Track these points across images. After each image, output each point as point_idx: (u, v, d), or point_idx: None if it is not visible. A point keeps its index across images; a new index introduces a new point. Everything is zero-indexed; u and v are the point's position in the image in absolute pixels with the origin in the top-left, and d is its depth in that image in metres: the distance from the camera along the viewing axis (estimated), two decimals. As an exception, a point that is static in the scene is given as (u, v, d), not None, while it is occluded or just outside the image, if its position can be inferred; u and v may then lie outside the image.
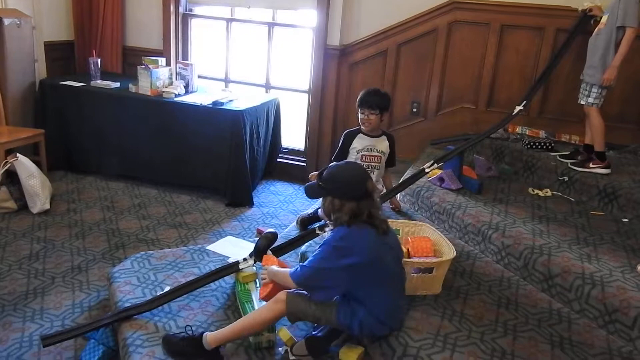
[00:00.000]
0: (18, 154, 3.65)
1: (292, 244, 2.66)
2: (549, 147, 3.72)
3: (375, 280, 1.90)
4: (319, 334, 2.11)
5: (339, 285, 1.90)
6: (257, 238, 2.60)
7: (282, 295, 1.99)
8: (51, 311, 2.59)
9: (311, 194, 2.02)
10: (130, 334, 2.15)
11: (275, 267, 2.17)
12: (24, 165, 3.62)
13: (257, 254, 2.45)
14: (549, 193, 3.30)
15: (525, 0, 3.85)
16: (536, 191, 3.33)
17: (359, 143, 3.08)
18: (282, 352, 2.10)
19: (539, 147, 3.74)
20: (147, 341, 2.11)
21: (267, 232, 2.48)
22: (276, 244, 2.57)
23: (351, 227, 1.88)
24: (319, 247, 1.93)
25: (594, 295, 2.21)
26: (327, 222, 2.03)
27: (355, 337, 2.10)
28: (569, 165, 3.41)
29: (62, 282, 2.85)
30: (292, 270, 1.98)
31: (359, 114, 3.03)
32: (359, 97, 3.01)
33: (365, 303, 1.92)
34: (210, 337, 1.99)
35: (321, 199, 1.99)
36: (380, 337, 2.03)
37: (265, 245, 2.44)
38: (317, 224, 2.91)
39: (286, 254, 2.68)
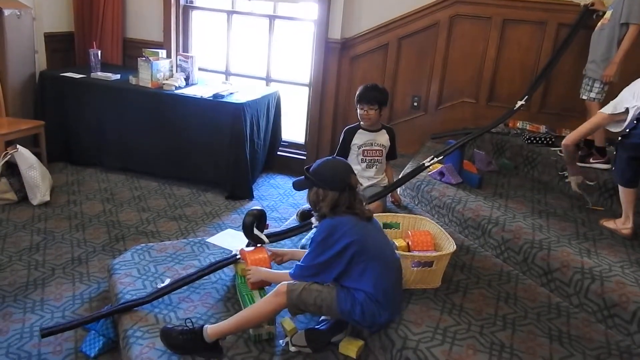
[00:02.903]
0: (18, 146, 3.64)
1: (287, 233, 2.67)
2: (550, 142, 3.72)
3: (368, 258, 1.95)
4: (320, 327, 2.12)
5: (336, 267, 1.97)
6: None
7: (282, 287, 2.00)
8: (51, 302, 2.59)
9: (298, 186, 2.12)
10: (130, 326, 2.16)
11: (264, 270, 2.22)
12: (24, 157, 3.61)
13: (245, 232, 2.43)
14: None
15: (527, -6, 3.85)
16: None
17: (360, 139, 3.08)
18: (283, 345, 2.10)
19: (540, 142, 3.73)
20: (148, 333, 2.11)
21: (252, 209, 2.46)
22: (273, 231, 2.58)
23: (333, 217, 1.98)
24: (309, 246, 2.03)
25: (593, 290, 2.22)
26: (313, 213, 2.13)
27: (357, 327, 2.11)
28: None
29: (63, 274, 2.85)
30: (291, 271, 2.06)
31: (358, 110, 3.03)
32: (357, 93, 3.02)
33: (362, 286, 1.96)
34: (211, 330, 2.00)
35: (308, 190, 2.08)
36: (381, 325, 2.03)
37: (250, 222, 2.40)
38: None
39: (281, 243, 2.72)
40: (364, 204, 2.10)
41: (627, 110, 2.66)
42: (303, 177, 2.07)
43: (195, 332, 2.01)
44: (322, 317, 2.21)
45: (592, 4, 3.59)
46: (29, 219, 3.45)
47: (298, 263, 2.05)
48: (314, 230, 2.75)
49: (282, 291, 1.99)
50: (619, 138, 2.66)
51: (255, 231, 2.41)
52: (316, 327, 2.14)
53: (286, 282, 2.03)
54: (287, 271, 2.09)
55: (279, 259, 2.40)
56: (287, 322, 2.15)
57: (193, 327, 2.04)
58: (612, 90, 3.35)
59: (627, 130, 2.60)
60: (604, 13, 3.39)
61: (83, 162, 4.42)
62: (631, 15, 3.16)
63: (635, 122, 2.58)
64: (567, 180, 3.19)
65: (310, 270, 2.00)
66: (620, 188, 2.69)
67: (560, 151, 3.55)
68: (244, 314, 2.04)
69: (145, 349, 2.03)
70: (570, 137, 2.95)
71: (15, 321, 2.43)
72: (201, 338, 1.99)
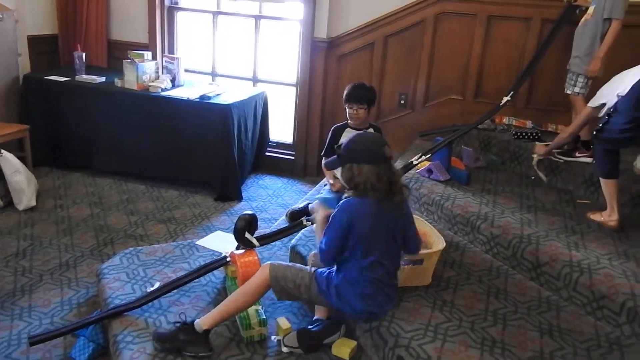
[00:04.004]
0: (2, 150, 3.59)
1: (278, 234, 2.65)
2: (536, 137, 3.74)
3: (364, 249, 1.95)
4: (313, 328, 2.12)
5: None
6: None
7: (265, 264, 2.07)
8: (39, 309, 2.56)
9: (332, 165, 2.11)
10: (120, 331, 2.14)
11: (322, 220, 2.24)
12: (9, 162, 3.57)
13: (237, 236, 2.41)
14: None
15: (511, -9, 3.88)
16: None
17: (348, 137, 3.07)
18: (274, 341, 2.10)
19: (526, 137, 3.76)
20: (138, 337, 2.09)
21: (244, 213, 2.45)
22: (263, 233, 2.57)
23: (357, 198, 1.96)
24: (329, 225, 2.00)
25: (582, 283, 2.24)
26: (346, 190, 2.07)
27: (349, 321, 2.11)
28: (556, 154, 3.44)
29: (50, 280, 2.82)
30: (319, 255, 2.04)
31: (347, 109, 3.02)
32: (345, 92, 3.01)
33: (343, 271, 1.99)
34: (202, 321, 2.02)
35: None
36: (362, 313, 2.01)
37: (242, 227, 2.39)
38: (306, 218, 2.91)
39: (271, 244, 2.72)
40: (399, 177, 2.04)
41: (603, 105, 2.77)
42: (334, 156, 2.07)
43: (188, 325, 2.03)
44: (315, 317, 2.20)
45: (575, 0, 3.62)
46: (15, 224, 3.40)
47: (320, 245, 2.02)
48: (304, 231, 2.77)
49: (264, 266, 2.05)
50: (594, 132, 2.74)
51: (247, 235, 2.40)
52: (309, 327, 2.13)
53: (270, 262, 2.08)
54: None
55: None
56: (283, 321, 2.15)
57: (185, 320, 2.07)
58: (595, 85, 3.38)
59: (600, 125, 2.70)
60: (587, 9, 3.42)
61: (69, 166, 4.38)
62: (613, 11, 3.19)
63: (607, 117, 2.68)
64: (532, 154, 3.33)
65: (330, 253, 1.98)
66: (601, 180, 2.75)
67: (547, 145, 3.59)
68: (231, 297, 2.08)
69: (135, 353, 2.01)
70: (566, 132, 3.11)
71: (3, 329, 2.39)
72: (193, 329, 2.01)
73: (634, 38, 3.51)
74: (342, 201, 2.01)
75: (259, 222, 2.48)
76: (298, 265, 2.14)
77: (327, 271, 2.04)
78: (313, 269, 2.09)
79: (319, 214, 2.29)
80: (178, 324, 2.05)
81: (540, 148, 3.33)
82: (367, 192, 1.93)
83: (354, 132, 3.05)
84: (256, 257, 2.32)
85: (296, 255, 2.68)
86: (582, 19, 3.43)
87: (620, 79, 2.72)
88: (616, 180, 2.69)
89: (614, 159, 2.68)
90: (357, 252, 1.95)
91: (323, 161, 3.14)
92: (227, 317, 2.08)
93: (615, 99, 2.66)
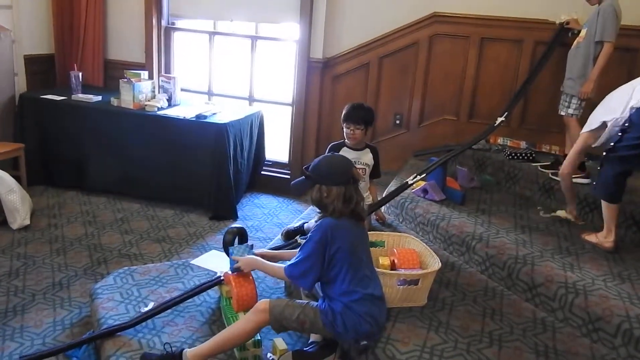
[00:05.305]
0: (-3, 169, 3.59)
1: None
2: (530, 157, 3.77)
3: (350, 266, 1.94)
4: (309, 350, 2.10)
5: (320, 268, 1.96)
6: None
7: (263, 304, 1.99)
8: (31, 329, 2.53)
9: (298, 186, 2.08)
10: (113, 352, 2.12)
11: (260, 260, 2.20)
12: (4, 180, 3.55)
13: (226, 250, 2.42)
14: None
15: (504, 13, 3.93)
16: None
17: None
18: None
19: (521, 157, 3.78)
20: (131, 359, 2.07)
21: (231, 227, 2.45)
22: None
23: (333, 218, 1.97)
24: (305, 243, 1.99)
25: (577, 304, 2.24)
26: (317, 212, 2.10)
27: (344, 345, 2.09)
28: (550, 175, 3.46)
29: (43, 300, 2.79)
30: (285, 267, 2.02)
31: (345, 129, 3.04)
32: (344, 112, 3.03)
33: (340, 296, 1.95)
34: (190, 354, 1.97)
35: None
36: (368, 336, 2.00)
37: (231, 240, 2.40)
38: (301, 237, 2.91)
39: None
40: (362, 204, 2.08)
41: (603, 125, 2.70)
42: (302, 177, 2.05)
43: (175, 356, 1.97)
44: (311, 340, 2.19)
45: (568, 23, 3.68)
46: (9, 243, 3.38)
47: (291, 262, 2.01)
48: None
49: (263, 308, 1.97)
50: (604, 153, 2.64)
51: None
52: (304, 349, 2.12)
53: (267, 299, 2.01)
54: (282, 265, 2.05)
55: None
56: (280, 341, 2.13)
57: (172, 351, 2.01)
58: (589, 106, 3.42)
59: (612, 144, 2.59)
60: (579, 31, 3.48)
61: (64, 185, 4.36)
62: (605, 34, 3.24)
63: (619, 134, 2.57)
64: (553, 214, 3.15)
65: (299, 268, 1.96)
66: (603, 203, 2.67)
67: (541, 166, 3.62)
68: (224, 334, 2.00)
69: (128, 375, 1.99)
70: (566, 166, 2.95)
71: (-6, 350, 2.37)
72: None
73: (626, 60, 3.58)
74: (318, 222, 2.01)
75: (254, 242, 2.48)
76: (298, 301, 2.07)
77: (328, 304, 1.99)
78: (314, 304, 2.03)
79: (242, 262, 2.25)
80: (165, 355, 2.00)
81: (565, 212, 3.12)
82: (334, 213, 1.96)
83: (351, 152, 3.08)
84: (250, 277, 2.31)
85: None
86: (575, 42, 3.49)
87: (618, 94, 2.67)
88: (619, 204, 2.64)
89: (623, 182, 2.59)
90: (345, 269, 1.94)
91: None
92: (217, 353, 2.02)
93: (623, 114, 2.54)
